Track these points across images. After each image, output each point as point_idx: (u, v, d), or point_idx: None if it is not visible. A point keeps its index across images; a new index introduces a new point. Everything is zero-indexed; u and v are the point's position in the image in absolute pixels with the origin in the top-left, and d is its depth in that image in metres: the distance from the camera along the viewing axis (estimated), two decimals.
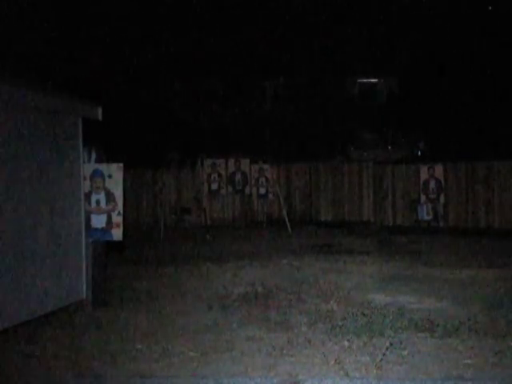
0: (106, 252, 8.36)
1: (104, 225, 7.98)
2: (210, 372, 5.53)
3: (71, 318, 7.35)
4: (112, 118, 10.10)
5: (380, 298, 8.33)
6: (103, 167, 8.05)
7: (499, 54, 19.37)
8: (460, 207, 16.74)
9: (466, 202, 16.71)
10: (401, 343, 6.23)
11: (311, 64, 21.24)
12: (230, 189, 17.36)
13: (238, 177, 17.31)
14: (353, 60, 21.81)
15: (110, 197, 7.99)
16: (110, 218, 7.98)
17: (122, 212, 8.00)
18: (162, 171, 18.24)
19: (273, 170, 17.50)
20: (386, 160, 21.22)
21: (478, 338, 6.42)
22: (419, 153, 25.86)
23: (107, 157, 8.24)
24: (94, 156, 8.08)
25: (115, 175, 8.01)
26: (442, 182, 16.23)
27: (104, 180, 8.00)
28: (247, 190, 17.36)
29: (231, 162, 17.38)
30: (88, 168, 8.02)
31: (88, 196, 8.01)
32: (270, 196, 17.36)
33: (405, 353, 5.96)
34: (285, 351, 6.07)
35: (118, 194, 8.00)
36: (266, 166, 17.29)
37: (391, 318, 7.16)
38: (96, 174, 8.02)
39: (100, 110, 8.25)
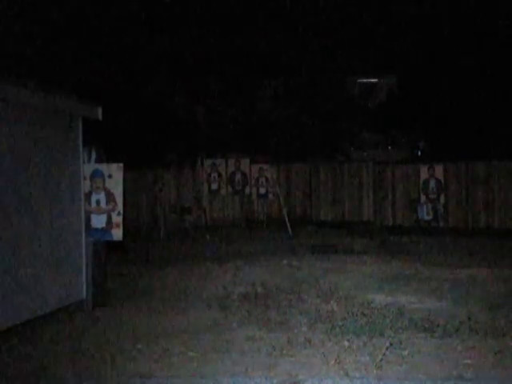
0: (106, 252, 8.36)
1: (104, 225, 7.98)
2: (210, 372, 5.53)
3: (71, 318, 7.35)
4: (112, 118, 10.10)
5: (380, 298, 8.33)
6: (103, 167, 8.05)
7: (499, 53, 19.37)
8: (460, 207, 16.75)
9: (466, 202, 16.72)
10: (401, 343, 6.23)
11: (311, 64, 21.23)
12: (230, 189, 17.37)
13: (238, 177, 17.33)
14: (353, 60, 21.80)
15: (109, 197, 7.99)
16: (110, 218, 7.98)
17: (121, 212, 8.00)
18: (162, 171, 18.24)
19: (273, 170, 17.51)
20: (386, 160, 21.22)
21: (477, 338, 6.42)
22: (419, 153, 25.87)
23: (107, 157, 8.24)
24: (93, 156, 8.08)
25: (115, 175, 8.01)
26: (442, 181, 16.24)
27: (104, 180, 8.01)
28: (247, 190, 17.37)
29: (231, 161, 17.40)
30: (88, 168, 8.03)
31: (88, 196, 8.01)
32: (270, 196, 17.37)
33: (405, 353, 5.96)
34: (285, 351, 6.07)
35: (118, 194, 8.00)
36: (265, 166, 17.30)
37: (391, 317, 7.16)
38: (96, 174, 8.02)
39: (100, 110, 8.26)
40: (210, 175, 17.40)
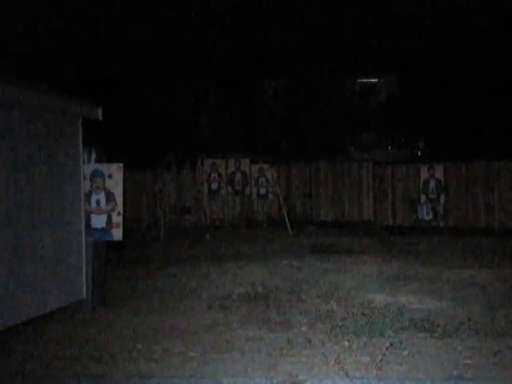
0: (106, 252, 8.36)
1: (104, 225, 7.98)
2: (210, 372, 5.53)
3: (71, 318, 7.35)
4: (112, 118, 10.10)
5: (380, 298, 8.33)
6: (103, 167, 8.05)
7: (499, 53, 19.37)
8: (460, 207, 16.75)
9: (466, 202, 16.71)
10: (401, 343, 6.23)
11: (311, 64, 21.24)
12: (230, 189, 17.36)
13: (238, 177, 17.32)
14: (353, 60, 21.80)
15: (109, 197, 7.99)
16: (110, 218, 7.98)
17: (121, 212, 8.00)
18: (162, 171, 18.23)
19: (273, 170, 17.50)
20: (386, 160, 21.22)
21: (478, 337, 6.42)
22: (419, 153, 25.86)
23: (107, 157, 8.24)
24: (94, 156, 8.08)
25: (115, 175, 8.01)
26: (442, 181, 16.24)
27: (104, 180, 8.01)
28: (247, 190, 17.37)
29: (231, 162, 17.39)
30: (88, 168, 8.03)
31: (88, 196, 8.01)
32: (270, 196, 17.37)
33: (405, 353, 5.96)
34: (285, 351, 6.07)
35: (118, 194, 8.00)
36: (266, 166, 17.30)
37: (391, 317, 7.15)
38: (96, 174, 8.02)
39: (100, 110, 8.26)
40: (209, 175, 17.39)
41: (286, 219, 16.38)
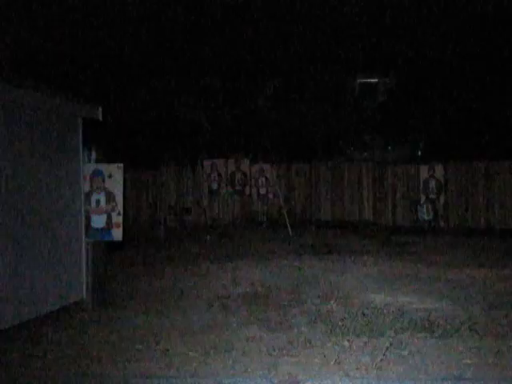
0: (106, 252, 8.36)
1: (104, 225, 7.98)
2: (210, 372, 5.53)
3: (71, 318, 7.35)
4: (112, 118, 10.10)
5: (380, 298, 8.33)
6: (103, 167, 8.05)
7: (499, 53, 19.37)
8: (460, 207, 16.74)
9: (466, 202, 16.71)
10: (401, 343, 6.23)
11: (311, 64, 21.24)
12: (230, 189, 17.36)
13: (238, 177, 17.32)
14: (353, 60, 21.80)
15: (109, 197, 7.99)
16: (110, 218, 7.98)
17: (121, 212, 8.00)
18: (162, 171, 18.24)
19: (273, 170, 17.50)
20: (386, 160, 21.22)
21: (478, 337, 6.42)
22: (419, 153, 25.85)
23: (107, 157, 8.24)
24: (94, 156, 8.08)
25: (115, 175, 8.01)
26: (442, 181, 16.23)
27: (104, 180, 8.01)
28: (247, 190, 17.37)
29: (231, 162, 17.39)
30: (88, 168, 8.03)
31: (88, 196, 8.01)
32: (270, 196, 17.36)
33: (405, 353, 5.96)
34: (285, 351, 6.07)
35: (118, 193, 8.00)
36: (265, 166, 17.30)
37: (391, 318, 7.16)
38: (96, 173, 8.02)
39: (100, 110, 8.26)
40: (209, 175, 17.40)
41: (286, 219, 16.38)
